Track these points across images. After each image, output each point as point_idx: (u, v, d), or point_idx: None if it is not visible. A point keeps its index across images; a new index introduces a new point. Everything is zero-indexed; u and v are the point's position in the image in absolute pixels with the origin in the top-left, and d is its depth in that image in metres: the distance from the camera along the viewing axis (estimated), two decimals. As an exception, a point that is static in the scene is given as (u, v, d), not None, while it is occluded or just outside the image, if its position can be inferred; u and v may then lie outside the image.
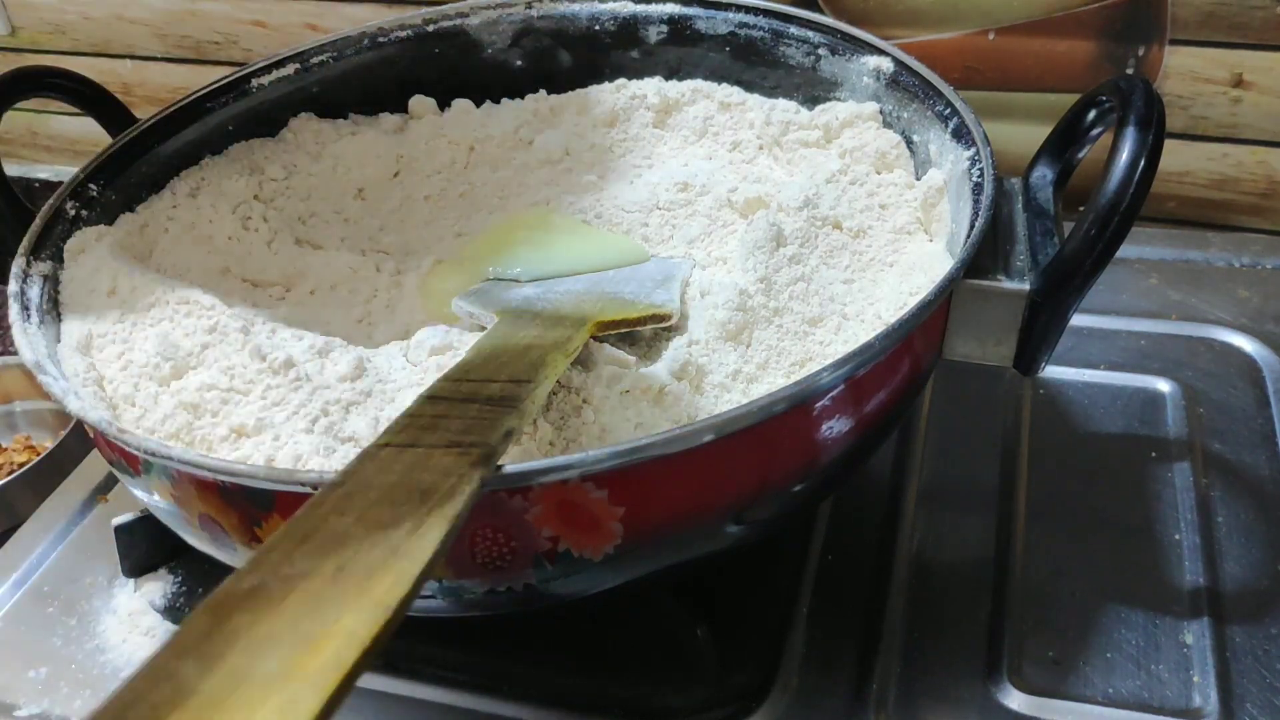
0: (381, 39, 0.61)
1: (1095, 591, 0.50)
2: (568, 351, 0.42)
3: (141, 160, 0.54)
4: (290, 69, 0.60)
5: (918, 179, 0.54)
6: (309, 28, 0.83)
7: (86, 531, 0.58)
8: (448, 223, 0.58)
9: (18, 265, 0.47)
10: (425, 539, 0.28)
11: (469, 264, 0.53)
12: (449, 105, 0.62)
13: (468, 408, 0.36)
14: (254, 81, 0.59)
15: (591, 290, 0.49)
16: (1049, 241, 0.46)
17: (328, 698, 0.22)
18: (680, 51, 0.62)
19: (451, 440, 0.33)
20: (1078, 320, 0.47)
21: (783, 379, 0.45)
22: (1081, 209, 0.43)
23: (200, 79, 0.59)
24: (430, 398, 0.37)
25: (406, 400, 0.44)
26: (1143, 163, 0.42)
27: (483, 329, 0.48)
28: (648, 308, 0.48)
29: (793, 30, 0.59)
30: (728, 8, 0.60)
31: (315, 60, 0.60)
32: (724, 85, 0.61)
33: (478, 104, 0.62)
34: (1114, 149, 0.43)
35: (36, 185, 0.94)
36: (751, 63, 0.60)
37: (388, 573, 0.26)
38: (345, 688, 0.23)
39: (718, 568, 0.51)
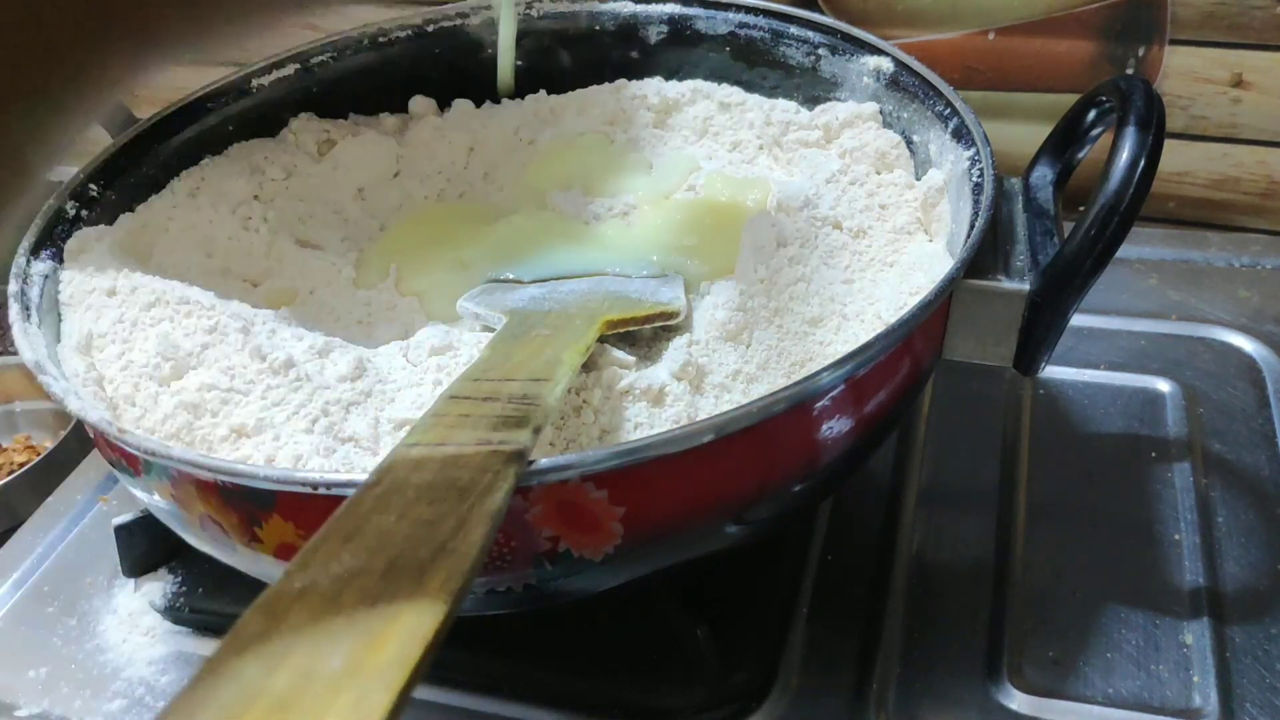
0: (381, 39, 0.61)
1: (1095, 591, 0.50)
2: (581, 350, 0.42)
3: (141, 160, 0.54)
4: (290, 69, 0.60)
5: (918, 179, 0.54)
6: (308, 28, 0.83)
7: (86, 531, 0.58)
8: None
9: (18, 265, 0.47)
10: (471, 534, 0.28)
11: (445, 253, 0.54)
12: (449, 105, 0.62)
13: (491, 406, 0.36)
14: (254, 81, 0.59)
15: (596, 289, 0.49)
16: (1049, 241, 0.46)
17: (398, 693, 0.22)
18: (680, 51, 0.62)
19: (481, 438, 0.33)
20: (1078, 320, 0.47)
21: (783, 379, 0.45)
22: (1081, 209, 0.43)
23: (200, 79, 0.59)
24: (452, 397, 0.37)
25: (407, 400, 0.44)
26: (1143, 163, 0.42)
27: (486, 329, 0.48)
28: (655, 305, 0.48)
29: (793, 30, 0.59)
30: (728, 8, 0.60)
31: (315, 60, 0.60)
32: (724, 85, 0.61)
33: (478, 104, 0.62)
34: (1114, 149, 0.43)
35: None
36: (751, 63, 0.60)
37: (439, 569, 0.27)
38: (412, 684, 0.23)
39: (718, 568, 0.51)
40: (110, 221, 0.52)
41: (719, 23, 0.60)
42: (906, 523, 0.54)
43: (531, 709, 0.47)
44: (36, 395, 0.82)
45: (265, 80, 0.59)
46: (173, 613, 0.53)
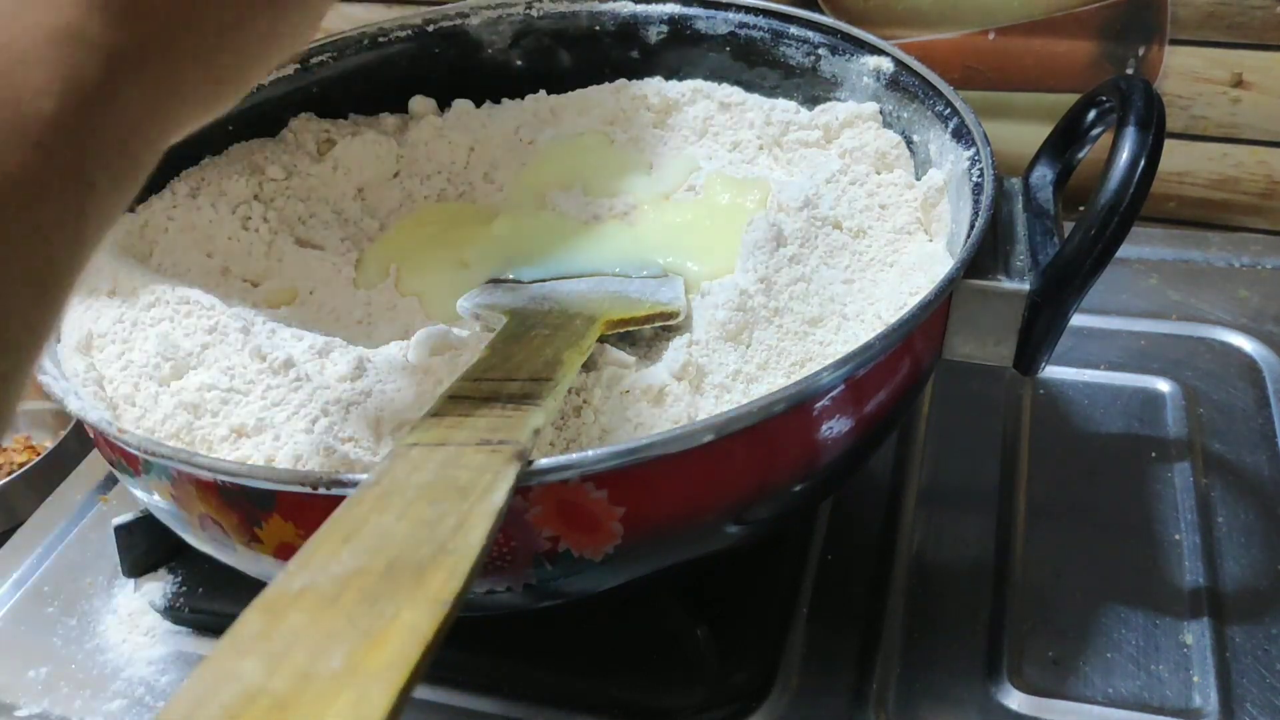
0: (381, 39, 0.61)
1: (1095, 591, 0.50)
2: (582, 349, 0.42)
3: (141, 160, 0.54)
4: (290, 69, 0.60)
5: (918, 179, 0.54)
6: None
7: (86, 531, 0.58)
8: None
9: (18, 265, 0.47)
10: (472, 534, 0.28)
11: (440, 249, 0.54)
12: (449, 105, 0.62)
13: (491, 406, 0.36)
14: (254, 81, 0.59)
15: (596, 290, 0.49)
16: (1049, 241, 0.46)
17: (398, 693, 0.22)
18: (680, 51, 0.62)
19: (481, 438, 0.33)
20: (1078, 320, 0.47)
21: (783, 379, 0.45)
22: (1081, 209, 0.43)
23: (200, 79, 0.59)
24: (452, 397, 0.37)
25: (407, 400, 0.44)
26: (1143, 163, 0.42)
27: (486, 329, 0.48)
28: (655, 305, 0.48)
29: (793, 30, 0.59)
30: (728, 8, 0.60)
31: (315, 60, 0.60)
32: (724, 85, 0.61)
33: (478, 104, 0.62)
34: (1114, 149, 0.43)
35: (36, 185, 0.94)
36: (751, 63, 0.60)
37: (440, 569, 0.26)
38: (412, 684, 0.23)
39: (718, 568, 0.51)
40: (110, 221, 0.52)
41: (719, 23, 0.60)
42: (906, 523, 0.54)
43: (531, 709, 0.47)
44: (36, 395, 0.82)
45: (265, 80, 0.59)
46: (173, 613, 0.53)
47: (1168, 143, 0.43)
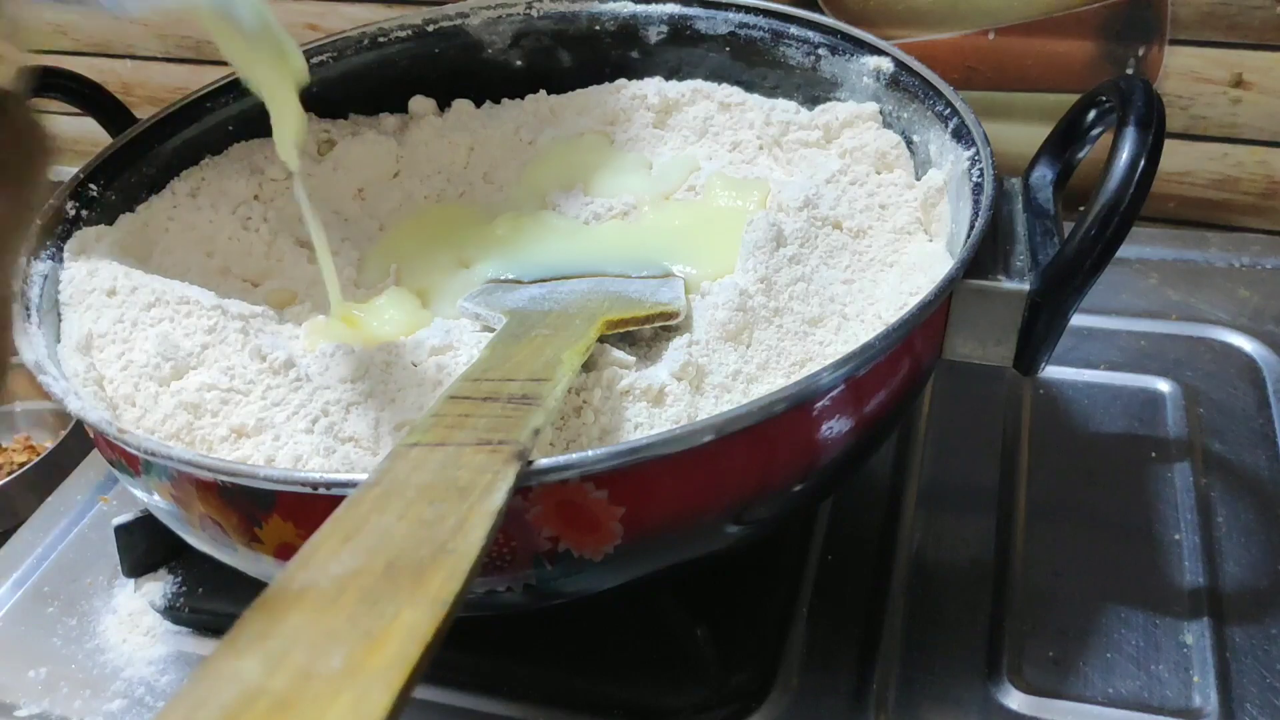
0: (381, 39, 0.61)
1: (1095, 591, 0.50)
2: (581, 350, 0.42)
3: (141, 160, 0.54)
4: (290, 69, 0.60)
5: (918, 179, 0.54)
6: (309, 28, 0.83)
7: (86, 531, 0.58)
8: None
9: (17, 265, 0.47)
10: (471, 534, 0.28)
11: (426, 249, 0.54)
12: (449, 105, 0.62)
13: (491, 407, 0.36)
14: (254, 81, 0.59)
15: (596, 290, 0.49)
16: (1049, 241, 0.46)
17: (398, 693, 0.23)
18: (680, 51, 0.62)
19: (480, 439, 0.33)
20: (1078, 320, 0.47)
21: (783, 379, 0.45)
22: (1081, 209, 0.43)
23: (200, 79, 0.59)
24: (452, 397, 0.37)
25: (407, 400, 0.44)
26: (1143, 163, 0.42)
27: (486, 329, 0.48)
28: (655, 306, 0.48)
29: (793, 30, 0.59)
30: (728, 8, 0.60)
31: (315, 60, 0.60)
32: (724, 85, 0.61)
33: (478, 104, 0.62)
34: (1114, 149, 0.43)
35: (36, 185, 0.94)
36: (751, 63, 0.60)
37: (439, 569, 0.27)
38: (412, 684, 0.23)
39: (718, 568, 0.51)
40: (110, 221, 0.52)
41: (719, 23, 0.60)
42: (906, 523, 0.54)
43: (531, 709, 0.47)
44: (36, 395, 0.82)
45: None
46: (173, 613, 0.53)
47: (1168, 143, 0.43)
